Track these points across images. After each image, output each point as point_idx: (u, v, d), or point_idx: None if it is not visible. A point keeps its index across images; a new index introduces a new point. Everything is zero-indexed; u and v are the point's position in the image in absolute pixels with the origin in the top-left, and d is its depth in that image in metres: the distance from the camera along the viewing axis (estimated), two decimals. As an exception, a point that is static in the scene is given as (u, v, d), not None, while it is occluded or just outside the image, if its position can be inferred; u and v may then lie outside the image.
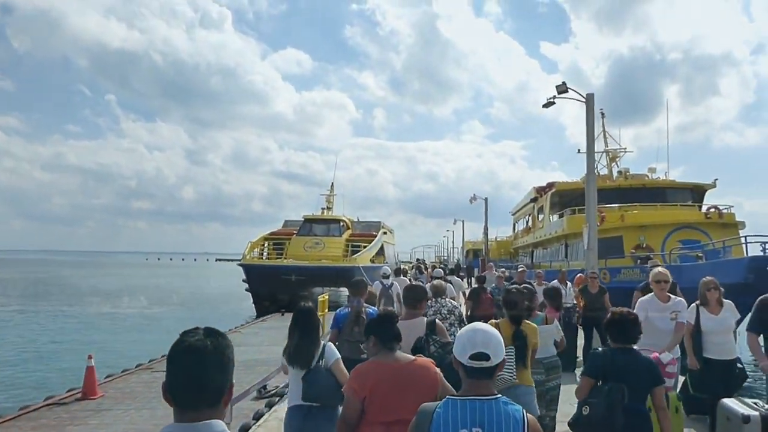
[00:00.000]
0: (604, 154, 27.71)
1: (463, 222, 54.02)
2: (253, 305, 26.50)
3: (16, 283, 53.64)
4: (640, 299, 5.75)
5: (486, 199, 38.48)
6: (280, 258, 27.99)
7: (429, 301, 6.04)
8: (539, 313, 5.76)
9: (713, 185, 23.98)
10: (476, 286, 11.03)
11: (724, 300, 5.68)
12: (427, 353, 4.21)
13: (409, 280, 12.74)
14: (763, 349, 5.47)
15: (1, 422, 7.61)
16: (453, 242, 68.13)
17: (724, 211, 20.90)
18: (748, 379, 5.95)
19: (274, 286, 23.99)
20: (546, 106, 15.33)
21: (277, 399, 8.19)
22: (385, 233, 35.56)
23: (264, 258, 28.96)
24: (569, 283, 10.91)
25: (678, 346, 5.56)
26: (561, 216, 25.78)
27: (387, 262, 29.03)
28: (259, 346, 13.78)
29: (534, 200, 31.97)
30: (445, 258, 68.80)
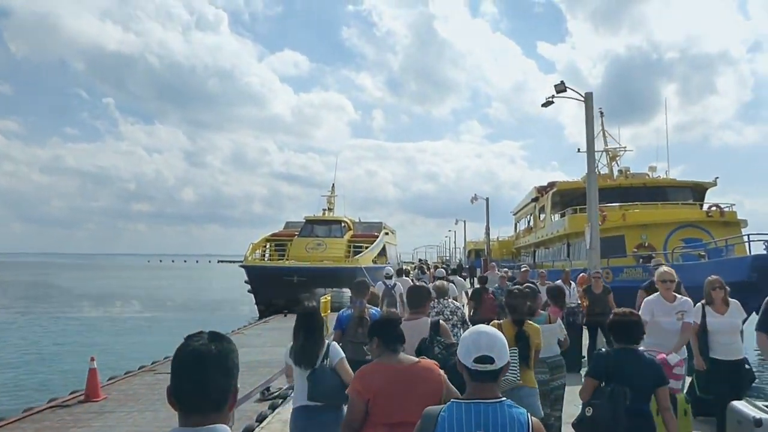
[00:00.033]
0: (604, 153, 27.67)
1: (464, 222, 54.12)
2: (256, 306, 26.52)
3: (17, 286, 53.70)
4: (645, 299, 5.69)
5: (487, 200, 38.51)
6: (282, 259, 28.01)
7: (432, 302, 6.03)
8: (542, 312, 5.76)
9: (714, 184, 23.92)
10: (478, 286, 11.02)
11: (730, 299, 5.60)
12: (432, 355, 4.19)
13: (412, 280, 12.73)
14: None
15: (4, 424, 7.62)
16: (455, 242, 68.21)
17: (726, 209, 20.84)
18: (756, 381, 5.90)
19: (276, 287, 23.97)
20: (545, 105, 15.31)
21: (280, 401, 8.18)
22: (386, 234, 35.56)
23: (266, 259, 28.98)
24: (573, 283, 10.88)
25: (685, 346, 5.49)
26: (562, 216, 25.73)
27: (389, 263, 29.02)
28: (262, 348, 13.77)
29: (535, 200, 31.93)
30: (448, 258, 68.78)
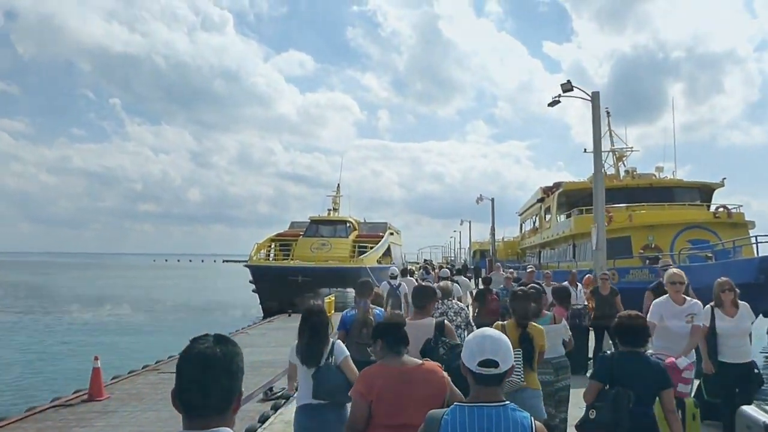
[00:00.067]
0: (611, 153, 27.53)
1: (470, 222, 54.01)
2: (260, 306, 26.53)
3: (22, 286, 53.91)
4: (654, 302, 5.57)
5: (493, 200, 38.36)
6: (287, 259, 28.01)
7: (436, 303, 5.98)
8: (547, 313, 5.73)
9: (721, 184, 23.76)
10: (482, 287, 10.96)
11: (740, 302, 5.50)
12: (436, 355, 4.20)
13: (416, 280, 12.70)
14: None
15: (7, 423, 7.61)
16: (460, 243, 68.09)
17: (734, 210, 20.68)
18: (764, 384, 5.79)
19: (280, 287, 23.97)
20: (551, 104, 15.22)
21: (283, 401, 8.14)
22: (391, 234, 35.53)
23: (271, 259, 28.99)
24: (580, 285, 10.77)
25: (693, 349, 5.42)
26: (568, 216, 25.61)
27: (394, 263, 28.98)
28: (266, 347, 13.75)
29: (541, 200, 31.81)
30: (452, 259, 68.66)
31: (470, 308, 10.43)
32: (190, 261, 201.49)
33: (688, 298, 5.43)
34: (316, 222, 31.41)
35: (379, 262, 29.67)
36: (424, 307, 4.76)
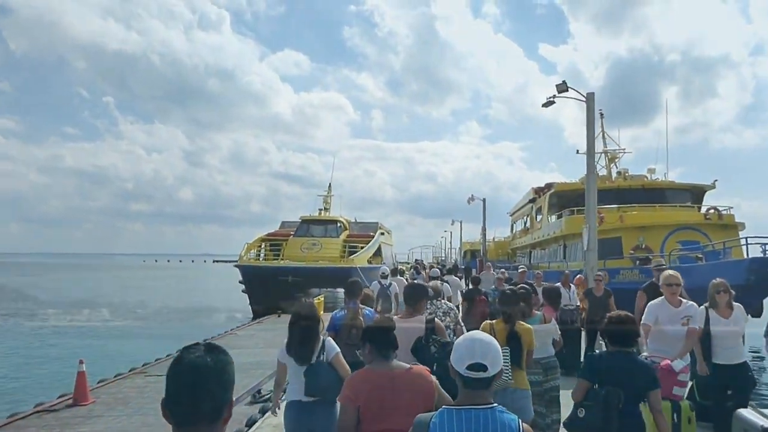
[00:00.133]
0: (603, 154, 27.62)
1: (461, 223, 53.94)
2: (250, 307, 26.36)
3: (9, 287, 53.24)
4: (649, 304, 5.50)
5: (484, 200, 38.30)
6: (277, 259, 27.85)
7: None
8: (537, 312, 5.74)
9: (713, 186, 23.89)
10: (471, 287, 10.89)
11: (734, 303, 5.44)
12: (428, 354, 4.25)
13: (406, 280, 12.64)
14: None
15: (-12, 430, 7.45)
16: (451, 243, 68.10)
17: (724, 212, 20.79)
18: (756, 386, 5.75)
19: (270, 287, 23.81)
20: (546, 105, 15.20)
21: (271, 404, 8.01)
22: (382, 234, 35.42)
23: (261, 259, 28.82)
24: (573, 286, 10.72)
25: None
26: (559, 217, 25.67)
27: (384, 263, 28.89)
28: (254, 349, 13.59)
29: (532, 201, 31.88)
30: (443, 258, 68.69)
31: (460, 308, 10.36)
32: (180, 261, 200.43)
33: (684, 301, 5.36)
34: (306, 222, 31.28)
35: (369, 262, 29.57)
36: (415, 306, 4.78)
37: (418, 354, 4.33)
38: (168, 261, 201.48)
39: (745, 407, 4.51)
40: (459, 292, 13.26)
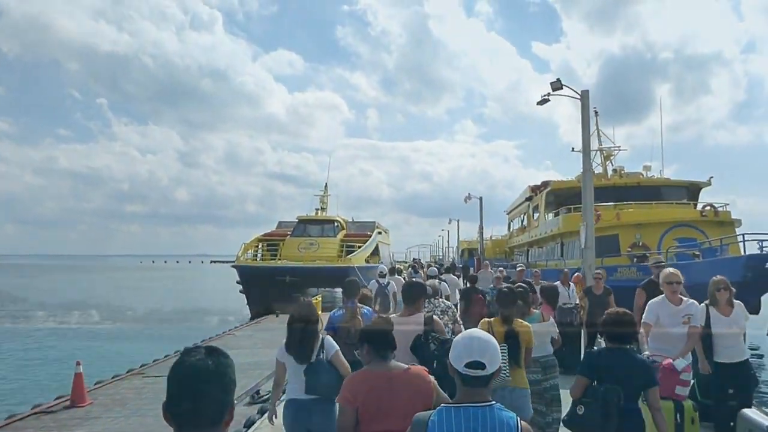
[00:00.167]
0: (599, 152, 27.62)
1: (458, 221, 53.93)
2: (247, 307, 26.30)
3: (3, 289, 53.00)
4: (650, 302, 5.43)
5: (481, 199, 38.27)
6: (275, 259, 27.80)
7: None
8: (535, 311, 5.73)
9: (708, 183, 23.91)
10: (468, 286, 10.88)
11: (735, 301, 5.41)
12: (428, 351, 4.25)
13: (404, 279, 12.63)
14: None
15: (-16, 432, 7.41)
16: (448, 242, 68.07)
17: (720, 209, 20.82)
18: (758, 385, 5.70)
19: (268, 287, 23.76)
20: (541, 103, 15.19)
21: (269, 404, 7.98)
22: (380, 233, 35.40)
23: (258, 259, 28.76)
24: (572, 285, 10.69)
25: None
26: (556, 215, 25.67)
27: (382, 262, 28.88)
28: (253, 349, 13.56)
29: (529, 199, 31.85)
30: (441, 257, 68.69)
31: (458, 307, 10.35)
32: (177, 262, 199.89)
33: (684, 299, 5.30)
34: (303, 221, 31.23)
35: (367, 261, 29.54)
36: (413, 304, 4.78)
37: (417, 352, 4.33)
38: (165, 262, 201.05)
39: (749, 407, 4.48)
40: (457, 291, 13.27)
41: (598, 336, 9.39)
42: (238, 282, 27.21)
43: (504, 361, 4.27)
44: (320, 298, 16.08)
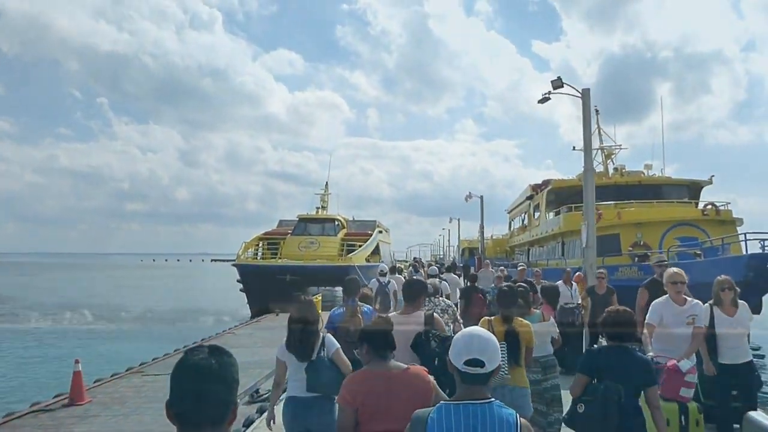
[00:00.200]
0: (600, 151, 27.55)
1: (458, 220, 53.89)
2: (248, 305, 26.28)
3: (8, 287, 53.07)
4: (654, 302, 5.35)
5: (481, 197, 38.23)
6: (275, 258, 27.78)
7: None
8: (536, 311, 5.71)
9: (710, 182, 23.85)
10: (468, 285, 10.85)
11: (739, 301, 5.34)
12: (429, 348, 4.25)
13: (404, 278, 12.61)
14: None
15: (-18, 430, 7.38)
16: (449, 241, 68.06)
17: (722, 207, 20.76)
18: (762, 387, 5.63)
19: (268, 286, 23.74)
20: (542, 101, 15.12)
21: (269, 404, 7.95)
22: (380, 232, 35.38)
23: (258, 258, 28.75)
24: (574, 284, 10.63)
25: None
26: (557, 214, 25.62)
27: (383, 261, 28.85)
28: (253, 348, 13.52)
29: (530, 198, 31.81)
30: (441, 257, 68.70)
31: (458, 306, 10.32)
32: (178, 260, 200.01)
33: (689, 299, 5.22)
34: (304, 220, 31.21)
35: (367, 260, 29.53)
36: (414, 302, 4.77)
37: (418, 350, 4.31)
38: (166, 260, 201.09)
39: (754, 409, 4.41)
40: (458, 290, 13.24)
41: (600, 336, 9.34)
42: (238, 281, 27.19)
43: (502, 359, 4.25)
44: (320, 297, 16.03)
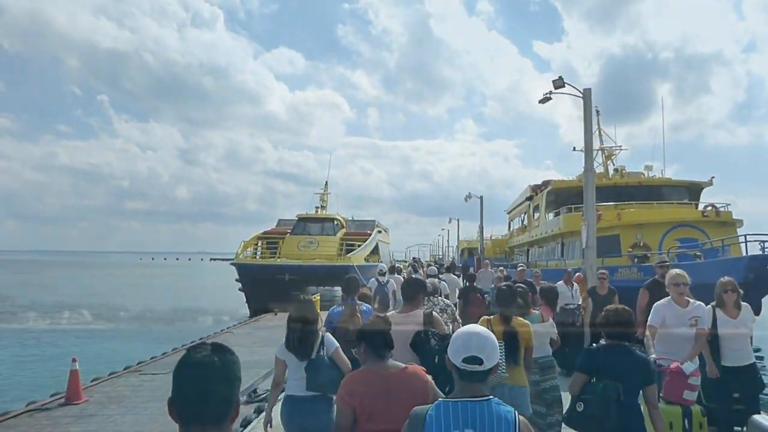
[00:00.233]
0: (600, 151, 27.51)
1: (458, 221, 53.86)
2: (246, 305, 26.24)
3: (6, 285, 52.99)
4: (656, 304, 5.30)
5: (481, 198, 38.16)
6: (274, 257, 27.74)
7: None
8: (535, 311, 5.68)
9: (710, 183, 23.81)
10: (467, 285, 10.82)
11: (742, 303, 5.29)
12: (428, 347, 4.24)
13: (403, 278, 12.58)
14: None
15: (-22, 429, 7.32)
16: (448, 241, 68.04)
17: (722, 209, 20.72)
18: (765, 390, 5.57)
19: (267, 285, 23.70)
20: (543, 101, 15.06)
21: (266, 404, 7.90)
22: (379, 232, 35.36)
23: (257, 257, 28.70)
24: (575, 285, 10.58)
25: None
26: (557, 214, 25.58)
27: (382, 261, 28.82)
28: (251, 347, 13.48)
29: (530, 198, 31.77)
30: (440, 257, 68.69)
31: (457, 305, 10.28)
32: (177, 259, 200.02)
33: (691, 301, 5.17)
34: (303, 220, 31.19)
35: (366, 260, 29.51)
36: (413, 300, 4.77)
37: (417, 348, 4.29)
38: (165, 259, 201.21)
39: (757, 412, 4.37)
40: (457, 290, 13.21)
41: (601, 337, 9.27)
42: (237, 280, 27.14)
43: (501, 358, 4.23)
44: (319, 297, 15.99)
